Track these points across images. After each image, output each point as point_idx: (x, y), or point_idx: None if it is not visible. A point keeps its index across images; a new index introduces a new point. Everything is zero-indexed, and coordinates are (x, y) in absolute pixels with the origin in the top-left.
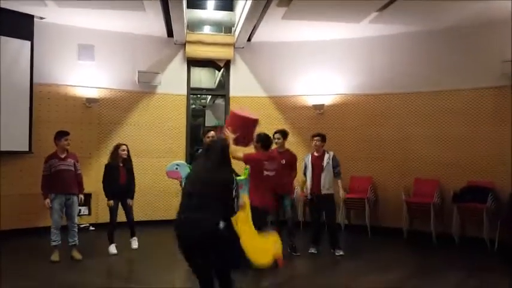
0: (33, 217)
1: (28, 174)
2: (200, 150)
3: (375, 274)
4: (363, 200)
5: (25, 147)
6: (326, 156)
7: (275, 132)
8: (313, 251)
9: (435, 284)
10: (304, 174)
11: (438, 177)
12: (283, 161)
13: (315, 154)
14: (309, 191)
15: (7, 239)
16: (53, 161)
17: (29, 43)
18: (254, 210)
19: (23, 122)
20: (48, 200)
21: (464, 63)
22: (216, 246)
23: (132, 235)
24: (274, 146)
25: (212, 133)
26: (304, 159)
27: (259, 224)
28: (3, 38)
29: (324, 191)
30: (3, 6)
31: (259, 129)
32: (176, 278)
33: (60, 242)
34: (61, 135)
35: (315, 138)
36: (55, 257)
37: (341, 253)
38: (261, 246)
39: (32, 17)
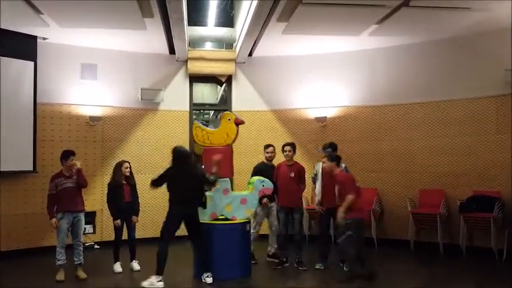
0: (38, 236)
1: (32, 194)
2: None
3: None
4: (368, 212)
5: (29, 167)
6: (342, 167)
7: (285, 145)
8: (319, 266)
9: None
10: (313, 182)
11: (444, 188)
12: (293, 174)
13: (324, 165)
14: (319, 202)
15: (12, 258)
16: (59, 180)
17: (32, 63)
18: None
19: (27, 142)
20: (54, 219)
21: (466, 73)
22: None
23: (132, 258)
24: (282, 159)
25: None
26: (315, 167)
27: None
28: (7, 59)
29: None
30: (6, 27)
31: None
32: None
33: (65, 261)
34: (67, 155)
35: (326, 149)
36: (60, 276)
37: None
38: None
39: (35, 37)
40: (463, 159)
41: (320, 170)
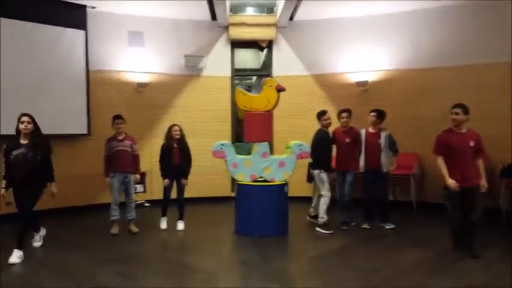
0: (94, 195)
1: (88, 155)
2: None
3: (417, 247)
4: (408, 176)
5: (84, 130)
6: (383, 134)
7: (342, 111)
8: (366, 226)
9: (470, 261)
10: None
11: (486, 152)
12: (348, 139)
13: (370, 130)
14: (363, 166)
15: (71, 215)
16: (112, 143)
17: (83, 32)
18: None
19: (81, 107)
20: (108, 179)
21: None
22: None
23: (180, 217)
24: (336, 125)
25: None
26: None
27: None
28: (60, 28)
29: (384, 169)
30: None
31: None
32: (223, 248)
33: (119, 216)
34: (113, 118)
35: (371, 113)
36: (114, 230)
37: (392, 226)
38: None
39: (84, 7)
40: (504, 124)
41: (363, 136)
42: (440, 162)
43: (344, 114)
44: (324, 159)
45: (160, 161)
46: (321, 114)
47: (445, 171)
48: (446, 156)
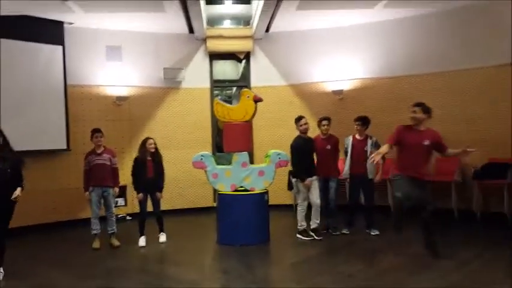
0: (74, 209)
1: (67, 170)
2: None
3: (397, 250)
4: (385, 181)
5: (63, 145)
6: (369, 141)
7: (322, 119)
8: (345, 231)
9: (445, 261)
10: (346, 154)
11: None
12: (329, 146)
13: (357, 137)
14: (348, 172)
15: (51, 230)
16: (91, 157)
17: (60, 47)
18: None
19: (60, 122)
20: (87, 193)
21: (481, 41)
22: None
23: (161, 230)
24: (317, 133)
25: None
26: (346, 141)
27: None
28: (37, 44)
29: (369, 175)
30: (34, 15)
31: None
32: (205, 259)
33: (99, 230)
34: (92, 132)
35: (356, 122)
36: (96, 244)
37: (377, 232)
38: None
39: (61, 23)
40: (479, 128)
41: (350, 143)
42: (385, 147)
43: (324, 122)
44: (300, 166)
45: (133, 175)
46: (297, 120)
47: (382, 149)
48: (400, 149)
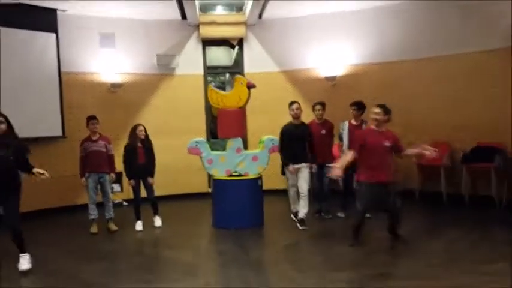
0: (71, 196)
1: (63, 157)
2: None
3: (384, 232)
4: None
5: (59, 133)
6: (364, 126)
7: (315, 104)
8: (340, 214)
9: (433, 241)
10: (340, 139)
11: (448, 141)
12: (323, 131)
13: (353, 123)
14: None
15: (48, 216)
16: (86, 144)
17: (54, 35)
18: None
19: (55, 109)
20: (83, 179)
21: (470, 26)
22: None
23: (155, 213)
24: (312, 118)
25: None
26: (341, 126)
27: None
28: (30, 32)
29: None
30: (28, 2)
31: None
32: (201, 241)
33: (97, 215)
34: (88, 119)
35: (352, 107)
36: (94, 229)
37: (368, 216)
38: None
39: (55, 10)
40: (468, 113)
41: (346, 128)
42: (347, 155)
43: (317, 107)
44: (285, 152)
45: (125, 162)
46: (288, 106)
47: (343, 160)
48: (362, 152)
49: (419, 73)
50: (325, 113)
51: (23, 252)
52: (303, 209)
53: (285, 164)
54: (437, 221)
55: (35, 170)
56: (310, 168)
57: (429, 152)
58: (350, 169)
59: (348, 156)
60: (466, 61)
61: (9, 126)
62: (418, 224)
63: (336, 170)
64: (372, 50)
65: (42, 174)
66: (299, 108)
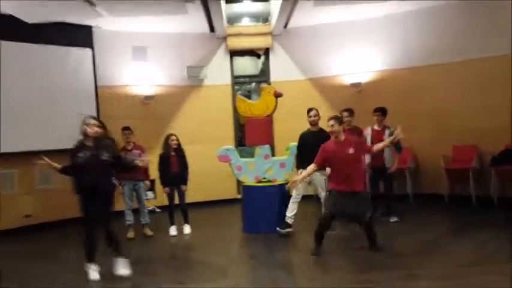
0: None
1: None
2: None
3: (413, 235)
4: (404, 170)
5: None
6: (387, 132)
7: (342, 111)
8: (394, 219)
9: (462, 242)
10: None
11: (477, 144)
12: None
13: (376, 128)
14: (367, 164)
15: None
16: (122, 153)
17: (90, 50)
18: None
19: None
20: (120, 187)
21: (497, 30)
22: None
23: (185, 221)
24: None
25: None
26: (365, 132)
27: None
28: (68, 48)
29: (387, 165)
30: (65, 20)
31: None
32: (232, 245)
33: (133, 221)
34: (123, 130)
35: (376, 113)
36: (130, 234)
37: (396, 219)
38: None
39: (90, 27)
40: (496, 116)
41: (369, 134)
42: (311, 167)
43: (345, 114)
44: (298, 158)
45: (160, 170)
46: (307, 112)
47: (305, 173)
48: (331, 165)
49: (446, 78)
50: (353, 119)
51: (119, 253)
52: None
53: (297, 169)
54: (466, 223)
55: (137, 162)
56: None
57: (396, 136)
58: (377, 173)
59: (309, 169)
60: (493, 64)
61: (104, 128)
62: (447, 227)
63: (294, 182)
64: (398, 55)
65: (143, 161)
66: (317, 115)
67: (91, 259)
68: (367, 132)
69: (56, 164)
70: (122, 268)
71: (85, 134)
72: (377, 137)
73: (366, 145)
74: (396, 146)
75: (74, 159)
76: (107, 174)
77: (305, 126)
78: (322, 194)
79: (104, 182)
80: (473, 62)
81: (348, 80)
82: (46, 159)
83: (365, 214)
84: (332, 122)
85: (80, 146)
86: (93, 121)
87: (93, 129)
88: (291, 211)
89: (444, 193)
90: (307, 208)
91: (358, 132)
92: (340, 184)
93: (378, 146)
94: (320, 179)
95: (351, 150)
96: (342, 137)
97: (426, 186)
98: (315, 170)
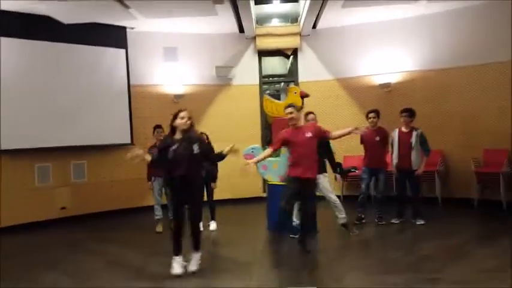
0: (138, 198)
1: (131, 163)
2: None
3: (438, 239)
4: (433, 173)
5: (127, 140)
6: (414, 133)
7: (369, 112)
8: (395, 221)
9: (487, 248)
10: (391, 147)
11: (507, 147)
12: (378, 138)
13: (403, 130)
14: (394, 166)
15: (118, 216)
16: (153, 150)
17: (123, 51)
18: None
19: (125, 119)
20: (150, 183)
21: None
22: None
23: (212, 218)
24: (366, 125)
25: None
26: (392, 134)
27: None
28: (103, 48)
29: (414, 167)
30: (100, 21)
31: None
32: (257, 242)
33: (161, 216)
34: (155, 128)
35: (403, 114)
36: (159, 228)
37: (422, 222)
38: None
39: (124, 28)
40: None
41: (396, 136)
42: (267, 151)
43: (371, 115)
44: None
45: None
46: (305, 116)
47: (259, 157)
48: (290, 150)
49: (476, 79)
50: (379, 120)
51: (197, 249)
52: (339, 214)
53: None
54: (493, 228)
55: (226, 151)
56: (335, 177)
57: (358, 131)
58: (404, 175)
59: (265, 153)
60: None
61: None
62: (474, 232)
63: (247, 165)
64: (427, 56)
65: (231, 149)
66: (314, 119)
67: (177, 252)
68: (394, 135)
69: (147, 155)
70: (193, 264)
71: (174, 127)
72: (403, 138)
73: (325, 130)
74: (425, 148)
75: (166, 152)
76: (198, 167)
77: (332, 126)
78: (330, 196)
79: (195, 174)
80: (504, 64)
81: (376, 80)
82: (140, 151)
83: (312, 206)
84: (290, 109)
85: (169, 140)
86: (183, 113)
87: (184, 121)
88: (341, 212)
89: (474, 197)
90: (330, 210)
91: (382, 133)
92: (292, 170)
93: (340, 132)
94: (324, 181)
95: (309, 134)
96: (300, 124)
97: (455, 189)
98: (270, 155)
